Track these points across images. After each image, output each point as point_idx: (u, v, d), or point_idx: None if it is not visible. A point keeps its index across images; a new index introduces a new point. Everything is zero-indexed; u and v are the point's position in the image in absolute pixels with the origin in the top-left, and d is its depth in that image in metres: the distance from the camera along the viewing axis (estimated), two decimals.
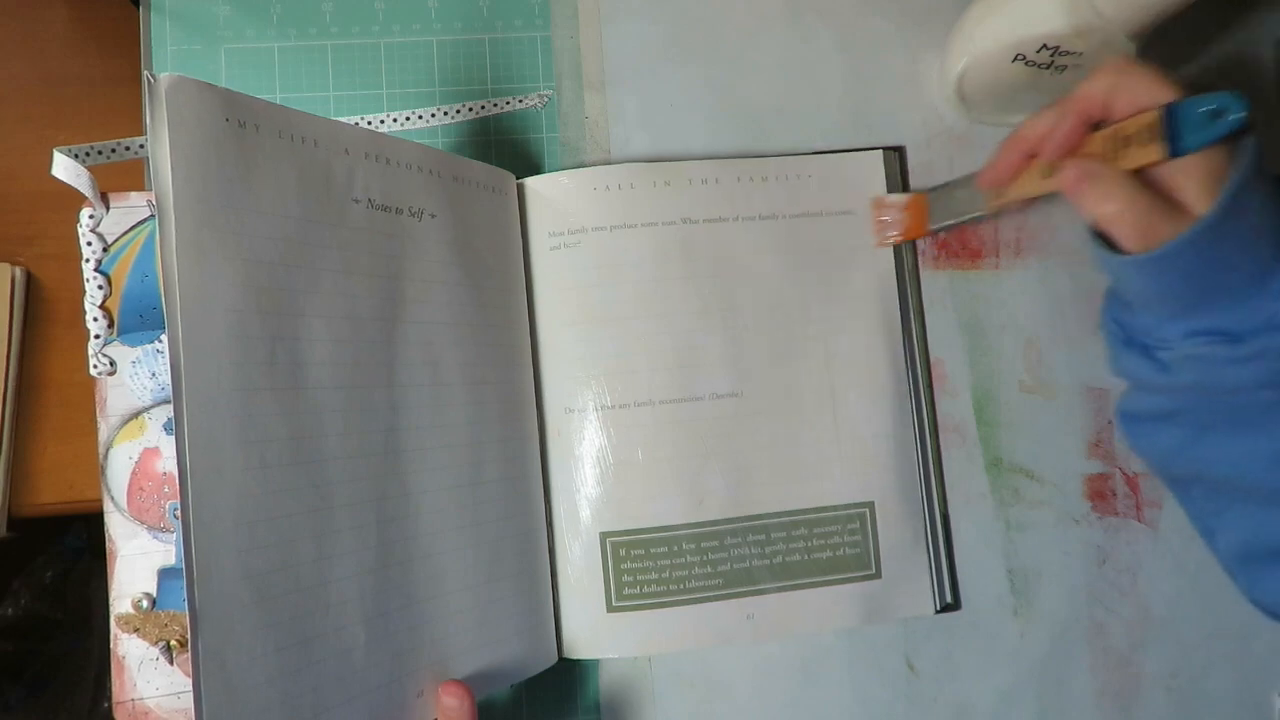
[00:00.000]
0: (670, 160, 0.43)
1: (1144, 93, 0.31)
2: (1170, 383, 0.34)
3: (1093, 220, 0.33)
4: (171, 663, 0.37)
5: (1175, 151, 0.30)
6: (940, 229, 0.41)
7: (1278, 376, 0.31)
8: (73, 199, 0.37)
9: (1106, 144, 0.32)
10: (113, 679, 0.37)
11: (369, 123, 0.42)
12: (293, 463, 0.31)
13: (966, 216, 0.41)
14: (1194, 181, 0.31)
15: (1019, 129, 0.36)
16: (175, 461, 0.27)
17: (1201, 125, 0.29)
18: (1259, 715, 0.43)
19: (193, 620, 0.27)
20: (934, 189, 0.42)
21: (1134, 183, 0.32)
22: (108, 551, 0.37)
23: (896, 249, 0.43)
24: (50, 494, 0.44)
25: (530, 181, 0.42)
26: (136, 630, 0.37)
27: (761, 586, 0.40)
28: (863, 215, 0.43)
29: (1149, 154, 0.31)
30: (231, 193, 0.30)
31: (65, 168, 0.35)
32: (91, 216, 0.38)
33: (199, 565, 0.27)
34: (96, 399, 0.38)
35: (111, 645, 0.37)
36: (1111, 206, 0.32)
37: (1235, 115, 0.28)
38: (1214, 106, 0.29)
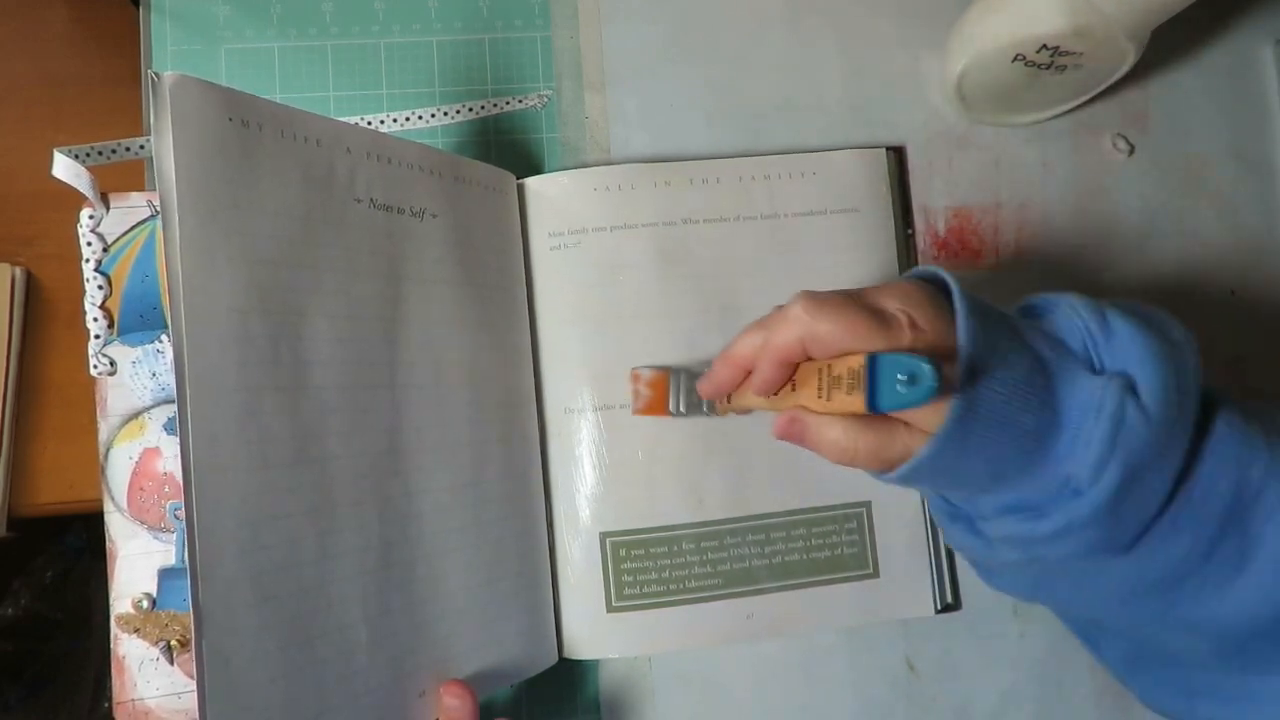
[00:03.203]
0: (670, 160, 0.43)
1: (834, 344, 0.29)
2: (996, 558, 0.32)
3: None
4: (172, 663, 0.37)
5: (874, 410, 0.27)
6: (676, 415, 0.39)
7: (1088, 548, 0.29)
8: (73, 199, 0.37)
9: (818, 377, 0.30)
10: (113, 679, 0.37)
11: (369, 123, 0.42)
12: (295, 462, 0.31)
13: (698, 413, 0.38)
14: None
15: (731, 346, 0.33)
16: (175, 461, 0.27)
17: (895, 389, 0.27)
18: None
19: (196, 620, 0.27)
20: (677, 371, 0.39)
21: (844, 428, 0.30)
22: (108, 552, 0.37)
23: (899, 248, 0.43)
24: (50, 494, 0.44)
25: (530, 181, 0.42)
26: (137, 630, 0.37)
27: (761, 586, 0.40)
28: (866, 213, 0.43)
29: (854, 403, 0.28)
30: (234, 192, 0.30)
31: (65, 168, 0.35)
32: (91, 217, 0.38)
33: (202, 564, 0.27)
34: (96, 399, 0.38)
35: (112, 645, 0.37)
36: (830, 455, 0.31)
37: (926, 385, 0.26)
38: (906, 374, 0.27)
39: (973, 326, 0.28)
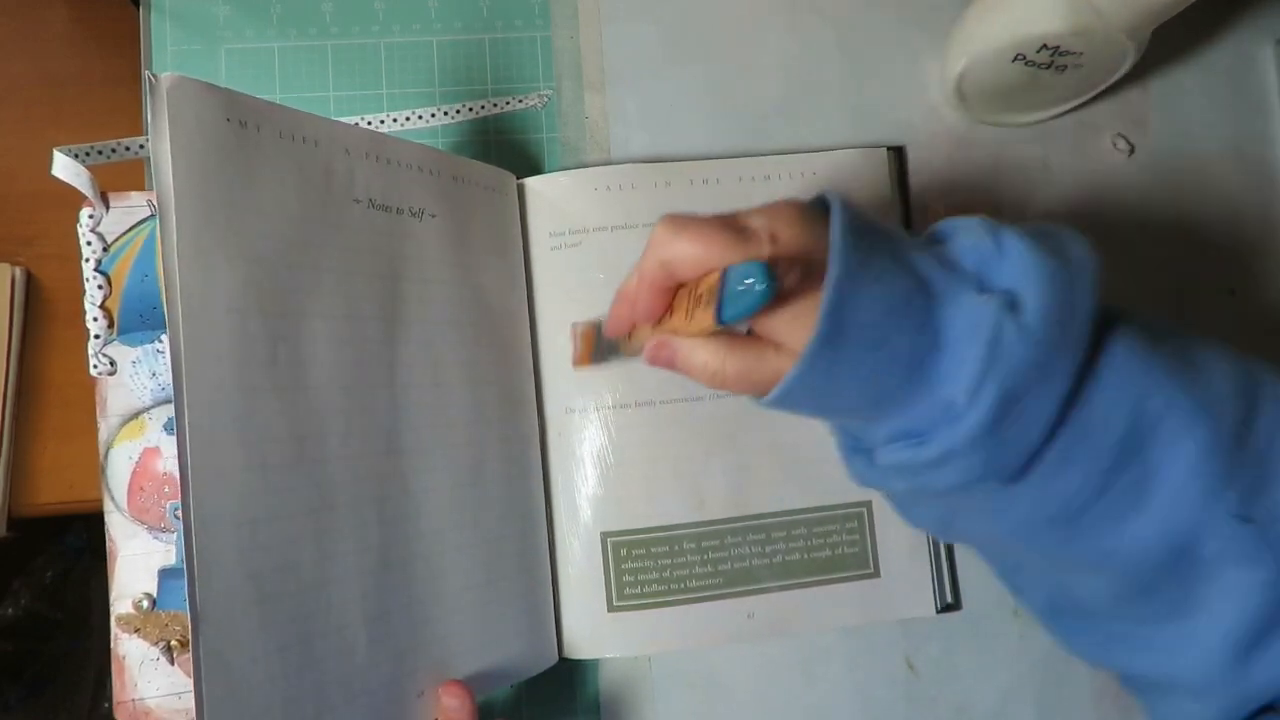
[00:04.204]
0: (670, 160, 0.43)
1: (693, 261, 0.28)
2: (891, 488, 0.32)
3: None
4: (172, 663, 0.37)
5: (720, 321, 0.27)
6: (599, 362, 0.39)
7: (973, 475, 0.28)
8: (73, 199, 0.37)
9: (685, 302, 0.29)
10: (113, 679, 0.37)
11: (369, 123, 0.42)
12: (294, 462, 0.31)
13: (614, 357, 0.39)
14: (783, 323, 0.28)
15: (621, 286, 0.32)
16: (175, 461, 0.27)
17: (738, 297, 0.26)
18: None
19: (194, 620, 0.27)
20: (602, 323, 0.38)
21: (711, 350, 0.29)
22: (108, 552, 0.37)
23: None
24: (50, 494, 0.44)
25: (531, 181, 0.42)
26: (137, 630, 0.37)
27: (762, 585, 0.40)
28: None
29: (708, 319, 0.27)
30: (233, 192, 0.30)
31: (65, 167, 0.35)
32: (91, 216, 0.38)
33: (200, 565, 0.27)
34: (96, 399, 0.38)
35: (112, 645, 0.37)
36: (698, 377, 0.30)
37: (760, 287, 0.26)
38: (746, 279, 0.26)
39: (844, 244, 0.27)
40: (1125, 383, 0.28)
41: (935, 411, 0.28)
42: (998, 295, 0.27)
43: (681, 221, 0.28)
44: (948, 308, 0.28)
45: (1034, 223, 0.30)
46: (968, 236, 0.30)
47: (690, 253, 0.28)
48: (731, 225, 0.28)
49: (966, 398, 0.27)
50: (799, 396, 0.29)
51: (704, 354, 0.30)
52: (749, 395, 0.31)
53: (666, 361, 0.31)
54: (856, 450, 0.33)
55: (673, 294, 0.30)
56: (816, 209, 0.29)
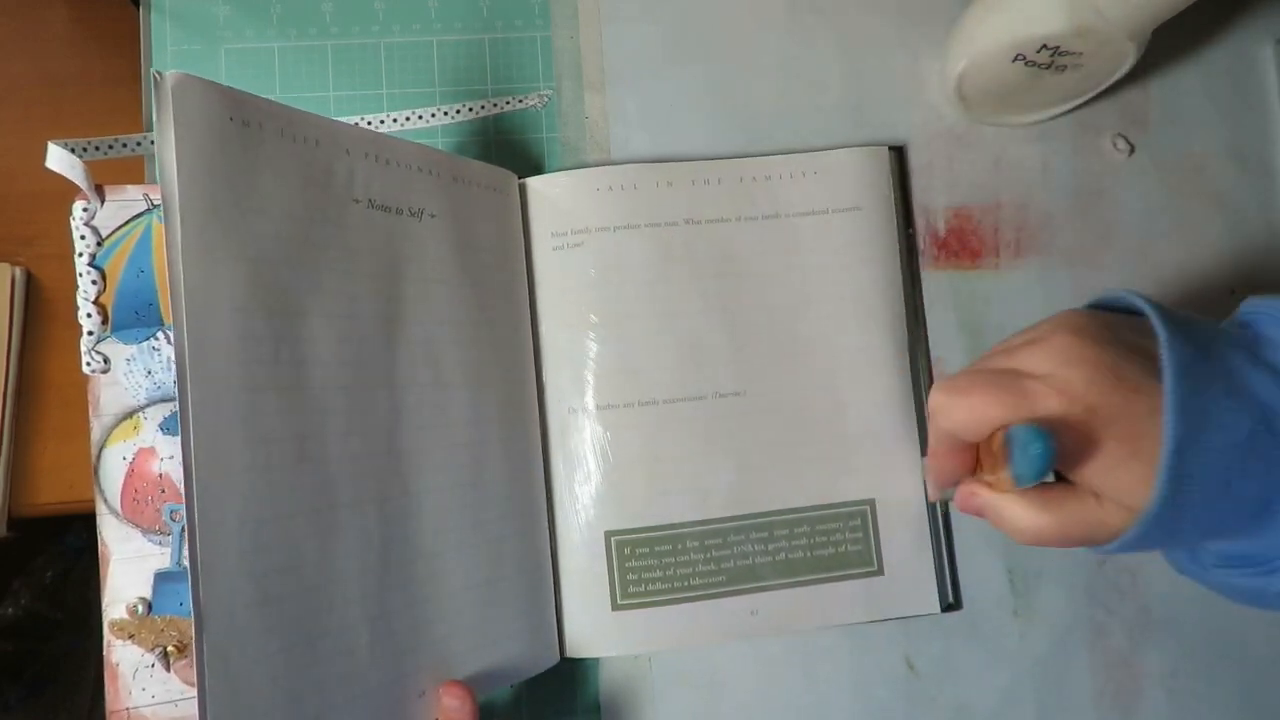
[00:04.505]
0: (670, 160, 0.43)
1: (974, 431, 0.27)
2: (1221, 593, 0.30)
3: None
4: (168, 669, 0.36)
5: (1017, 482, 0.26)
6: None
7: None
8: (72, 198, 0.37)
9: (987, 458, 0.28)
10: (106, 687, 0.36)
11: (369, 123, 0.42)
12: (297, 462, 0.31)
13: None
14: (1097, 474, 0.26)
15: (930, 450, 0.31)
16: (171, 462, 0.27)
17: (1026, 462, 0.25)
18: (1259, 715, 0.43)
19: (197, 621, 0.27)
20: None
21: (1023, 507, 0.28)
22: (100, 555, 0.36)
23: (901, 248, 0.43)
24: (50, 494, 0.43)
25: (532, 181, 0.42)
26: (131, 636, 0.36)
27: (765, 583, 0.40)
28: (868, 211, 0.43)
29: (1008, 479, 0.26)
30: (236, 191, 0.30)
31: (59, 159, 0.34)
32: (85, 209, 0.37)
33: (204, 565, 0.27)
34: (89, 397, 0.37)
35: (105, 652, 0.36)
36: (1017, 537, 0.29)
37: (1036, 450, 0.24)
38: (1029, 446, 0.25)
39: (1179, 400, 0.24)
40: None
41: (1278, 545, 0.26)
42: None
43: (952, 387, 0.27)
44: None
45: None
46: None
47: (968, 424, 0.27)
48: (1005, 382, 0.27)
49: None
50: (1137, 549, 0.27)
51: (1018, 511, 0.28)
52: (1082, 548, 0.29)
53: (977, 513, 0.30)
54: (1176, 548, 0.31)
55: (974, 448, 0.29)
56: (1095, 319, 0.27)
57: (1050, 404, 0.25)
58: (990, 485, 0.29)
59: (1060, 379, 0.26)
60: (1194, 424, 0.24)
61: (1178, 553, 0.31)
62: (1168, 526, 0.25)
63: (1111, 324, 0.27)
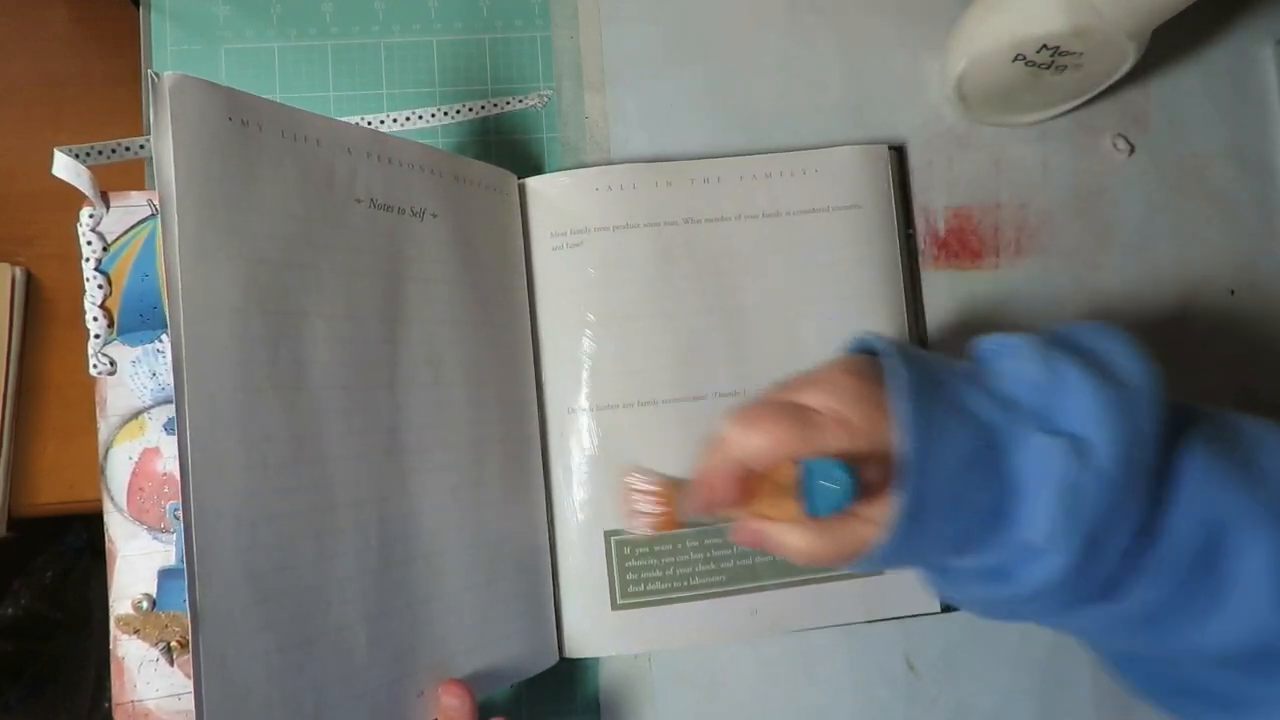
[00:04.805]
0: (670, 160, 0.43)
1: (767, 458, 0.28)
2: (971, 609, 0.33)
3: None
4: (172, 664, 0.37)
5: (811, 514, 0.27)
6: (683, 525, 0.36)
7: (1058, 606, 0.29)
8: (73, 199, 0.37)
9: (767, 488, 0.29)
10: (112, 681, 0.37)
11: (369, 123, 0.42)
12: (294, 462, 0.31)
13: (697, 517, 0.34)
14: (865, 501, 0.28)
15: (698, 469, 0.31)
16: (176, 461, 0.27)
17: (825, 494, 0.27)
18: None
19: (194, 620, 0.27)
20: (679, 480, 0.33)
21: (801, 534, 0.29)
22: (108, 552, 0.37)
23: (900, 248, 0.43)
24: (50, 494, 0.44)
25: (532, 181, 0.42)
26: (137, 631, 0.37)
27: (764, 582, 0.40)
28: (868, 209, 0.42)
29: (797, 511, 0.28)
30: (234, 192, 0.30)
31: (65, 167, 0.35)
32: (92, 215, 0.38)
33: (200, 565, 0.27)
34: (96, 399, 0.38)
35: (111, 647, 0.37)
36: (794, 559, 0.30)
37: (841, 487, 0.27)
38: (828, 480, 0.27)
39: (908, 416, 0.27)
40: (1198, 500, 0.28)
41: (1017, 554, 0.28)
42: (1064, 439, 0.27)
43: (747, 419, 0.29)
44: (1015, 454, 0.28)
45: (1080, 323, 0.31)
46: (1016, 363, 0.30)
47: (762, 452, 0.29)
48: (796, 414, 0.29)
49: (1048, 543, 0.27)
50: (884, 563, 0.30)
51: (795, 539, 0.30)
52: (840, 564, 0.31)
53: (756, 545, 0.31)
54: (943, 571, 0.33)
55: (751, 481, 0.30)
56: (867, 361, 0.31)
57: (837, 435, 0.28)
58: (767, 515, 0.30)
59: (838, 412, 0.29)
60: (923, 436, 0.27)
61: (935, 575, 0.33)
62: (911, 538, 0.28)
63: (878, 364, 0.30)
